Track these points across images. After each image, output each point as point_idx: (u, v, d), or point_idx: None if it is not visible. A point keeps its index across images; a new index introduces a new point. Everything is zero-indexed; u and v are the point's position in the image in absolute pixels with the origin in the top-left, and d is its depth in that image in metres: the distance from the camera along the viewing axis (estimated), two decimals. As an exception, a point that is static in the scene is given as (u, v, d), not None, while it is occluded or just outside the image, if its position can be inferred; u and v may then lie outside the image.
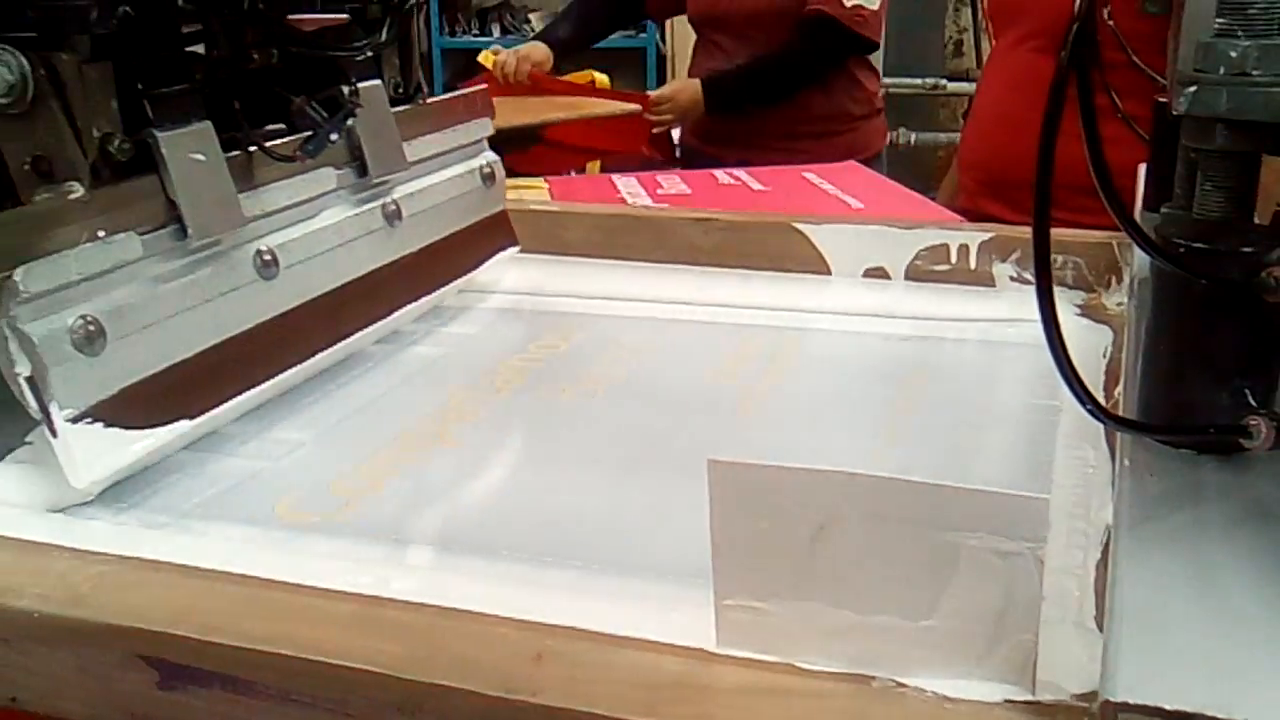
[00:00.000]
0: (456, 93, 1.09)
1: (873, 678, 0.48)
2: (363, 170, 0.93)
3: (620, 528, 0.67)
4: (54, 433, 0.65)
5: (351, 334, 0.89)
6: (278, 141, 0.83)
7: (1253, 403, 0.52)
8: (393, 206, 0.95)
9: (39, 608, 0.55)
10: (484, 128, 1.09)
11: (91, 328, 0.67)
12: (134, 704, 0.55)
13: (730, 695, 0.48)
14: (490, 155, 1.09)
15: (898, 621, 0.47)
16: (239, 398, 0.77)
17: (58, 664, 0.55)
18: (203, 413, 0.74)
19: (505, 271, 1.13)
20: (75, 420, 0.66)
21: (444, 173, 1.03)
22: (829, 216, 1.15)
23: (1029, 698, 0.46)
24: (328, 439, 0.79)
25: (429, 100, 1.02)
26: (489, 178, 1.08)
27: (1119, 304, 1.01)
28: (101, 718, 0.55)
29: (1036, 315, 0.51)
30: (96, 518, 0.68)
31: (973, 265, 1.07)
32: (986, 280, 1.06)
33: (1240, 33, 0.55)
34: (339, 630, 0.53)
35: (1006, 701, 0.46)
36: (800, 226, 1.11)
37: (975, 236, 1.07)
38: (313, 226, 0.87)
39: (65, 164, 0.68)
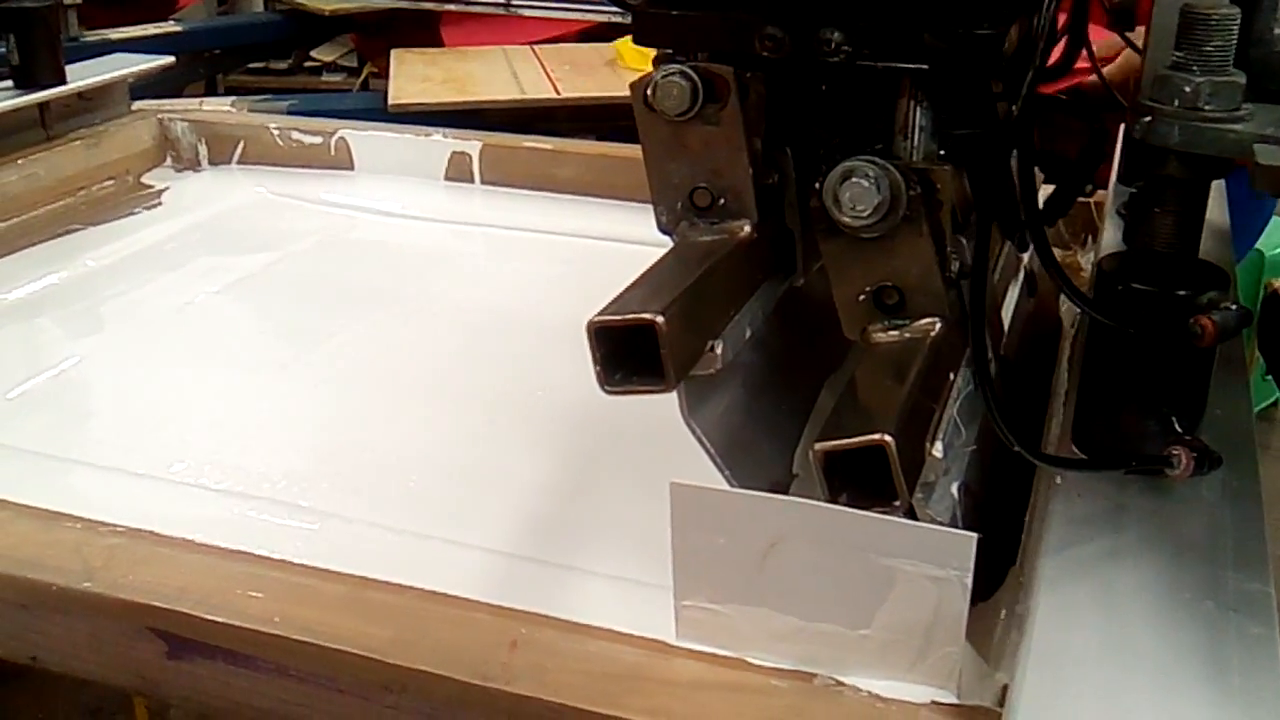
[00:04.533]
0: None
1: (814, 676, 0.53)
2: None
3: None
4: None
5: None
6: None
7: (1179, 430, 0.56)
8: (1031, 275, 0.83)
9: (55, 580, 0.60)
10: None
11: (969, 498, 0.57)
12: (145, 670, 0.60)
13: (685, 689, 0.53)
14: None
15: (839, 629, 0.52)
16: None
17: (74, 631, 0.61)
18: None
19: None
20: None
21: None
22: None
23: (954, 701, 0.52)
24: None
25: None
26: None
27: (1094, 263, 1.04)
28: (115, 681, 0.61)
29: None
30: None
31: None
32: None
33: (1196, 67, 0.57)
34: (331, 611, 0.58)
35: (933, 703, 0.52)
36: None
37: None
38: (1008, 314, 0.75)
39: (924, 297, 0.56)
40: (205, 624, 0.57)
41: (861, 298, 0.57)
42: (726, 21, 0.55)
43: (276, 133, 1.30)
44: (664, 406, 0.54)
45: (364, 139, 1.28)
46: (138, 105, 1.35)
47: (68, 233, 1.14)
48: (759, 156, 0.58)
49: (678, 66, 0.56)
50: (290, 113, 1.74)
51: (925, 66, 0.53)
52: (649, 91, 0.57)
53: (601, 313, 0.50)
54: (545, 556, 0.67)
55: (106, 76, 1.27)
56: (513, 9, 2.43)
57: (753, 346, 0.60)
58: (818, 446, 0.48)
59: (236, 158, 1.31)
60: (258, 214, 1.23)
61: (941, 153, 0.57)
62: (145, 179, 1.29)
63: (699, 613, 0.54)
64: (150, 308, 1.01)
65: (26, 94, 1.18)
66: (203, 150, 1.32)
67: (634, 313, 0.50)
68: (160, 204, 1.23)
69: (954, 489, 0.56)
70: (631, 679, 0.54)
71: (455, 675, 0.54)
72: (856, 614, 0.52)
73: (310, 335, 0.97)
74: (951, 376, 0.58)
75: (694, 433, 0.56)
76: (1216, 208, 0.86)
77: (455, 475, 0.76)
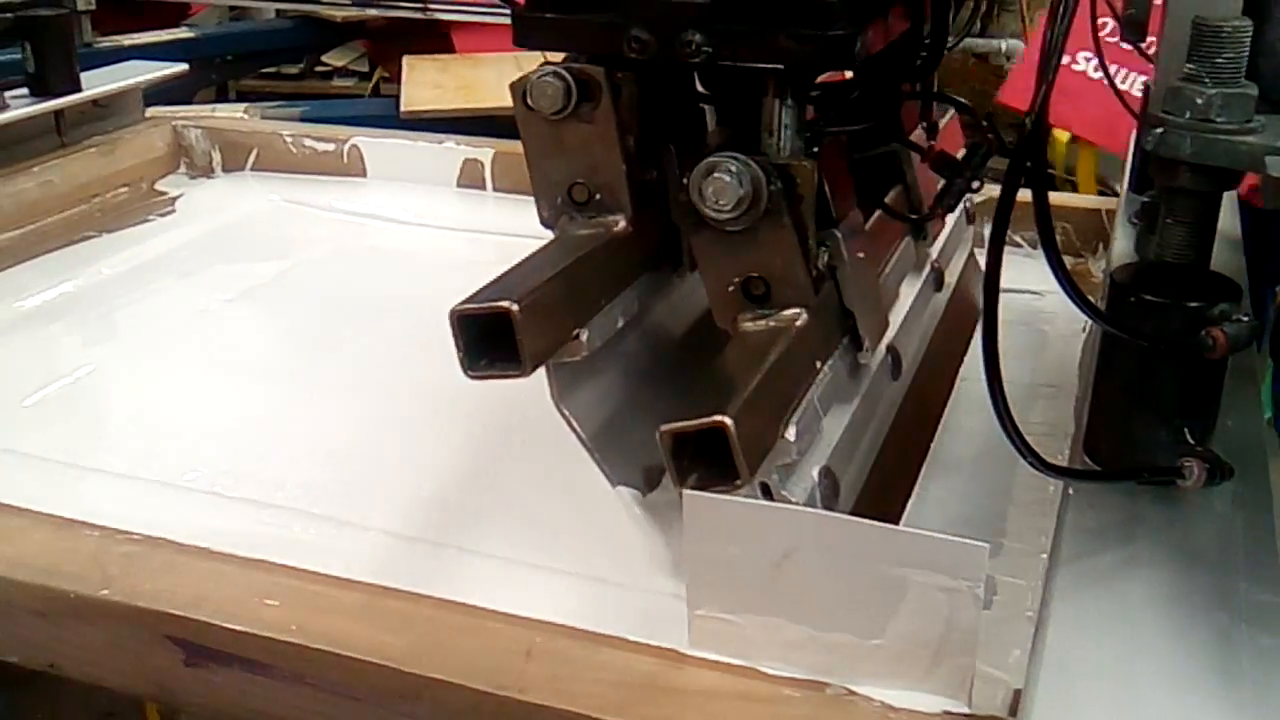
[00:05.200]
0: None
1: (827, 685, 0.53)
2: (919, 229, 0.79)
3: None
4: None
5: (940, 416, 0.79)
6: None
7: (1191, 441, 0.56)
8: (938, 270, 0.83)
9: (72, 588, 0.60)
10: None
11: (828, 481, 0.58)
12: (163, 678, 0.60)
13: (698, 698, 0.53)
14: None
15: (851, 639, 0.53)
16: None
17: (91, 639, 0.61)
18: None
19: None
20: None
21: (950, 221, 0.89)
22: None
23: (965, 710, 0.52)
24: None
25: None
26: (971, 217, 0.97)
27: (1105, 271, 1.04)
28: (133, 688, 0.61)
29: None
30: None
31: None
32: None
33: (1208, 79, 0.57)
34: (347, 620, 0.58)
35: (945, 713, 0.52)
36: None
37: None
38: (904, 307, 0.75)
39: (788, 287, 0.58)
40: (222, 632, 0.58)
41: (731, 288, 0.59)
42: (595, 24, 0.58)
43: (290, 140, 1.31)
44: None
45: (376, 146, 1.29)
46: (151, 112, 1.36)
47: (82, 240, 1.15)
48: (634, 153, 0.61)
49: (552, 67, 0.58)
50: (303, 120, 1.75)
51: (781, 67, 0.55)
52: (526, 91, 0.59)
53: (464, 301, 0.53)
54: (563, 566, 0.67)
55: (121, 84, 1.28)
56: (430, 13, 2.44)
57: (637, 336, 0.63)
58: (663, 429, 0.51)
59: (250, 165, 1.32)
60: (270, 222, 1.23)
61: (815, 150, 0.59)
62: (159, 186, 1.30)
63: (712, 622, 0.55)
64: (164, 315, 1.02)
65: (41, 101, 1.19)
66: (216, 157, 1.32)
67: (492, 301, 0.52)
68: (174, 211, 1.24)
69: (814, 472, 0.58)
70: (645, 688, 0.54)
71: (471, 684, 0.54)
72: (869, 624, 0.52)
73: (323, 343, 0.98)
74: (818, 364, 0.60)
75: (564, 417, 0.58)
76: (1228, 218, 0.87)
77: (469, 482, 0.77)
